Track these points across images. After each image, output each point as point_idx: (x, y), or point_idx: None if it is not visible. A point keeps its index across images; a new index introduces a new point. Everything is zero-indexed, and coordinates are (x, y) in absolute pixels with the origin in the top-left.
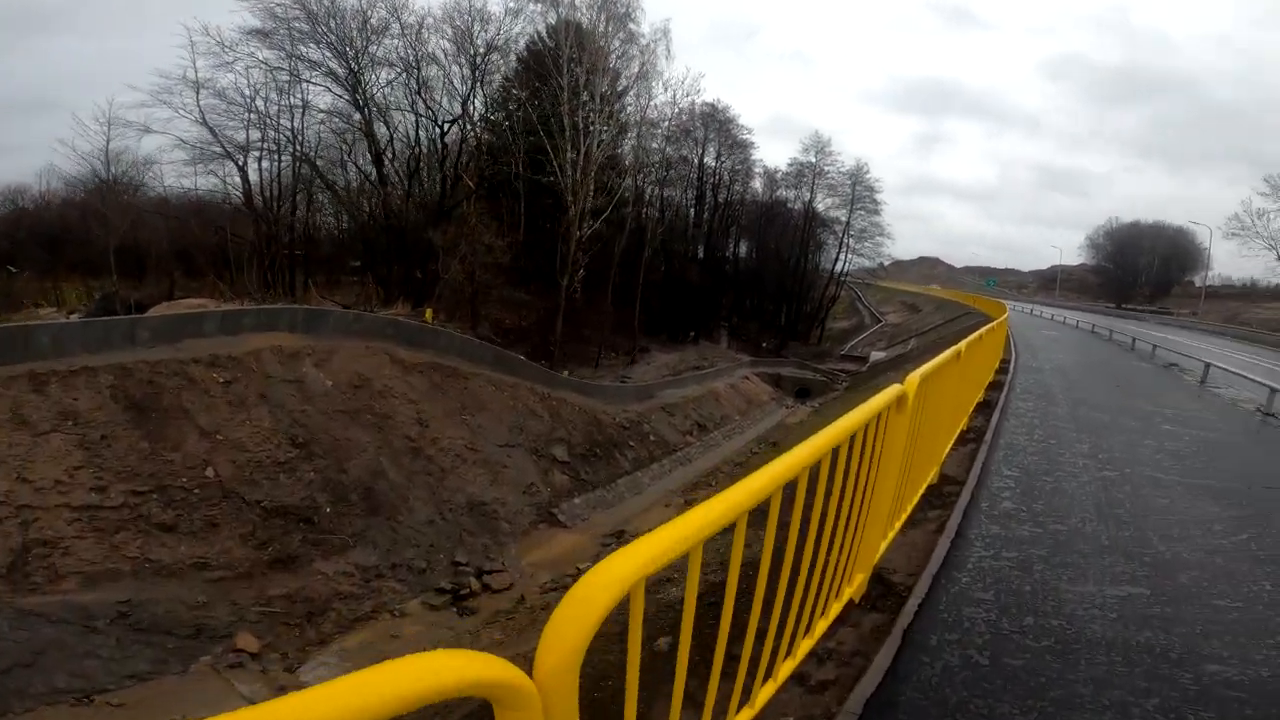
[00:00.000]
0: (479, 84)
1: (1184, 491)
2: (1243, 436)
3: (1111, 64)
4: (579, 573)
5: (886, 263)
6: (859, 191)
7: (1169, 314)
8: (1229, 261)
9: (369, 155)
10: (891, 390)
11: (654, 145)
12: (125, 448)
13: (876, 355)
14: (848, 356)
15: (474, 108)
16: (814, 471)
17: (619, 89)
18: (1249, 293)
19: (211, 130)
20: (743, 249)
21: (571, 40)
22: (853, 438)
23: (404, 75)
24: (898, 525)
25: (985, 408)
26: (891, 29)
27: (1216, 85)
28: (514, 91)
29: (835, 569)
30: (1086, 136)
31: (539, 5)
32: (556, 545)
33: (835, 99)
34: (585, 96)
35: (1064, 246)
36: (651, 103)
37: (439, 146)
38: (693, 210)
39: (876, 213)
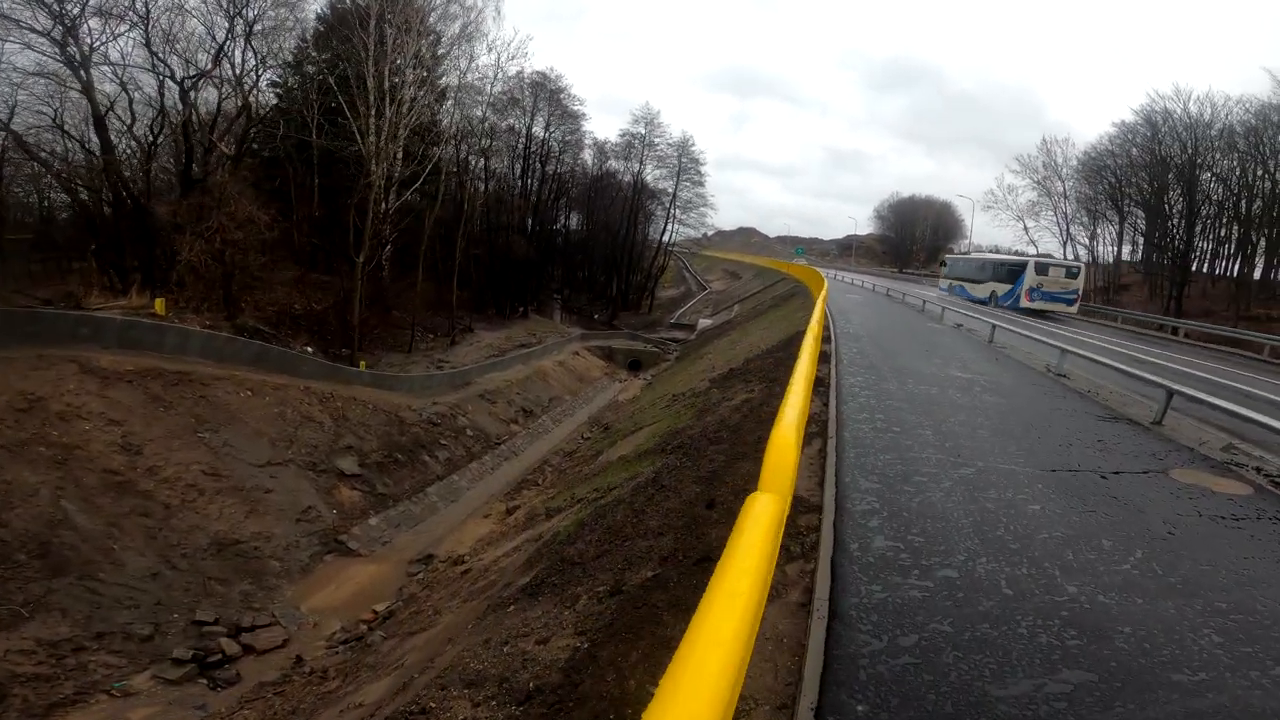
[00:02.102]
0: (247, 38)
1: (1045, 490)
2: (1049, 401)
3: (884, 56)
4: (377, 617)
5: (710, 233)
6: (685, 163)
7: (939, 276)
8: (985, 231)
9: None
10: (768, 522)
11: (477, 113)
12: None
13: (704, 323)
14: (677, 325)
15: (239, 64)
16: None
17: (438, 52)
18: None
19: None
20: (574, 221)
21: None
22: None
23: (136, 27)
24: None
25: (820, 385)
26: (709, 13)
27: (960, 78)
28: (311, 52)
29: None
30: (864, 121)
31: None
32: (349, 582)
33: (660, 78)
34: (396, 58)
35: (858, 218)
36: (473, 64)
37: (181, 108)
38: (520, 182)
39: (701, 184)
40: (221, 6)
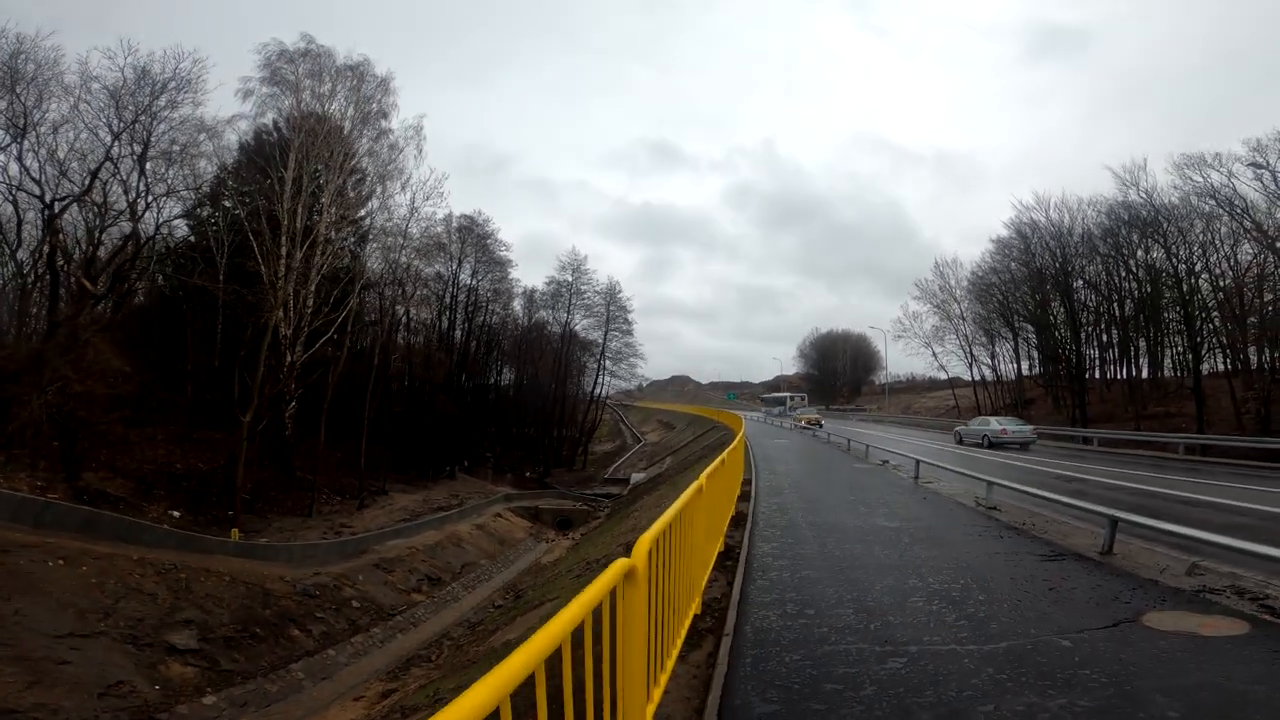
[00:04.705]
0: (140, 160)
1: (998, 677)
2: (984, 545)
3: (770, 193)
4: None
5: (644, 383)
6: (613, 311)
7: (863, 410)
8: (900, 360)
9: None
10: None
11: (395, 256)
12: None
13: (637, 477)
14: (611, 480)
15: (135, 189)
16: None
17: (362, 192)
18: (914, 386)
19: None
20: (506, 375)
21: (304, 131)
22: None
23: (15, 140)
24: None
25: (727, 559)
26: (613, 164)
27: (840, 209)
28: (229, 183)
29: None
30: (766, 258)
31: (270, 89)
32: None
33: (578, 228)
34: (324, 198)
35: (782, 358)
36: (386, 203)
37: (46, 236)
38: (448, 334)
39: (630, 333)
40: (104, 121)
